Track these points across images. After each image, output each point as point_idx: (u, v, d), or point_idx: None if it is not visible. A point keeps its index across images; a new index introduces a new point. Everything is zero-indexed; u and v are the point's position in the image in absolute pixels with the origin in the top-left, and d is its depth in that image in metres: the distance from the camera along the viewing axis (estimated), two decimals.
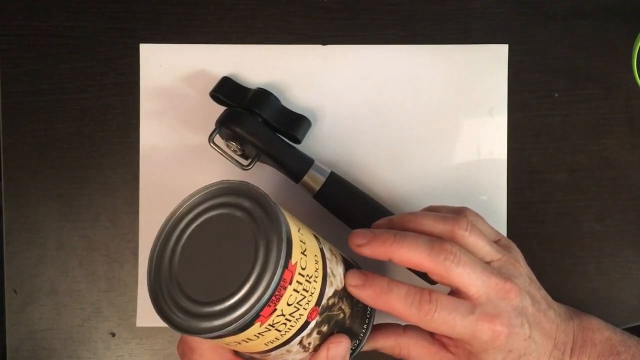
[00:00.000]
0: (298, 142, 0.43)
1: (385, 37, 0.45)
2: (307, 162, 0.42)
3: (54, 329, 0.45)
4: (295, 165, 0.41)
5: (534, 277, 0.37)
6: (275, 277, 0.28)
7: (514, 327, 0.34)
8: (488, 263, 0.35)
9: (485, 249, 0.35)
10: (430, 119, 0.45)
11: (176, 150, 0.45)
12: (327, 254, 0.33)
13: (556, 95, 0.45)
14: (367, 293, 0.34)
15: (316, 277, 0.31)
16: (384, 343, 0.37)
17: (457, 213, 0.37)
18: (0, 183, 0.45)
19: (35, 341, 0.45)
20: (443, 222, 0.35)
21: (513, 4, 0.45)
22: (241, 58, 0.45)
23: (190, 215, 0.32)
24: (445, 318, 0.33)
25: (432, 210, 0.38)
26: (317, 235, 0.34)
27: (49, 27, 0.45)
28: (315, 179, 0.41)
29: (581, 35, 0.45)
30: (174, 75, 0.45)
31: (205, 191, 0.32)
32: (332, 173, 0.42)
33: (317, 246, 0.32)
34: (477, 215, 0.37)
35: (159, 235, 0.32)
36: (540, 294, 0.37)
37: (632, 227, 0.45)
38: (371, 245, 0.35)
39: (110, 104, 0.45)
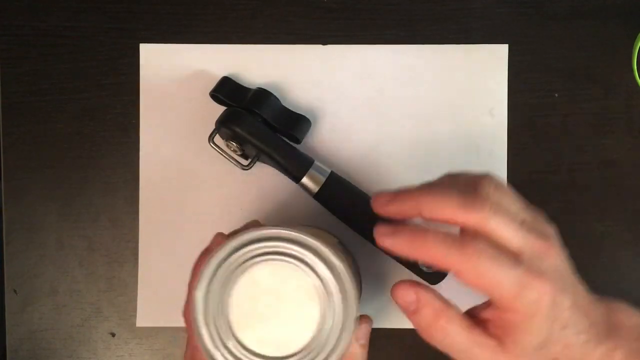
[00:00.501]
0: (298, 142, 0.43)
1: (385, 37, 0.45)
2: (307, 162, 0.42)
3: (54, 329, 0.45)
4: (295, 165, 0.41)
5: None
6: (341, 348, 0.28)
7: (558, 290, 0.30)
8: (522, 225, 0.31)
9: (513, 229, 0.31)
10: (430, 119, 0.45)
11: (176, 150, 0.45)
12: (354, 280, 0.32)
13: (556, 95, 0.45)
14: (401, 240, 0.30)
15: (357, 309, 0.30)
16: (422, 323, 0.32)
17: (475, 185, 0.32)
18: (0, 183, 0.45)
19: (35, 341, 0.45)
20: (464, 210, 0.31)
21: (513, 4, 0.45)
22: (241, 58, 0.45)
23: (249, 253, 0.30)
24: (491, 266, 0.29)
25: (450, 177, 0.34)
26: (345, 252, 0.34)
27: (49, 27, 0.45)
28: (315, 179, 0.41)
29: (581, 35, 0.45)
30: (174, 75, 0.45)
31: (266, 231, 0.30)
32: (332, 173, 0.42)
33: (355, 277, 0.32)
34: (499, 183, 0.33)
35: (217, 260, 0.30)
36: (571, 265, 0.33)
37: (632, 227, 0.45)
38: (397, 201, 0.32)
39: (110, 104, 0.45)
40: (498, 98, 0.45)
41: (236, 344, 0.29)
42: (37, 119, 0.45)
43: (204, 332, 0.29)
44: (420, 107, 0.45)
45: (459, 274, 0.30)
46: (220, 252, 0.29)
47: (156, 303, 0.45)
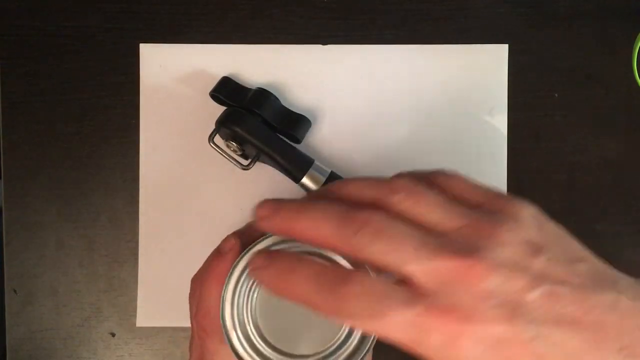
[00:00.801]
0: (298, 142, 0.43)
1: (385, 37, 0.45)
2: (307, 162, 0.42)
3: (54, 329, 0.45)
4: (295, 165, 0.41)
5: (550, 242, 0.25)
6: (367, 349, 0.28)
7: (488, 323, 0.22)
8: (443, 234, 0.24)
9: (435, 215, 0.24)
10: (430, 119, 0.45)
11: (176, 150, 0.45)
12: None
13: (556, 95, 0.45)
14: (268, 275, 0.25)
15: None
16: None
17: (426, 176, 0.27)
18: (0, 183, 0.45)
19: (35, 341, 0.45)
20: (375, 186, 0.26)
21: (513, 4, 0.45)
22: (241, 58, 0.45)
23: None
24: (371, 309, 0.22)
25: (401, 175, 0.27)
26: None
27: (49, 27, 0.45)
28: (315, 179, 0.41)
29: (581, 35, 0.45)
30: (174, 75, 0.45)
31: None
32: (332, 173, 0.42)
33: None
34: (451, 174, 0.27)
35: (239, 263, 0.29)
36: (570, 269, 0.24)
37: (632, 227, 0.45)
38: (273, 219, 0.26)
39: (110, 104, 0.45)
40: (498, 98, 0.45)
41: (265, 346, 0.29)
42: (37, 119, 0.45)
43: (232, 335, 0.29)
44: (420, 107, 0.45)
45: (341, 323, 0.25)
46: (247, 255, 0.29)
47: (156, 303, 0.45)
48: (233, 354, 0.29)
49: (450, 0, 0.45)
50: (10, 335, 0.45)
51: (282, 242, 0.29)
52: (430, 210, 0.24)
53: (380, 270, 0.24)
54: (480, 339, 0.22)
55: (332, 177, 0.42)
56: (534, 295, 0.22)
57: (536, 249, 0.24)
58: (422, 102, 0.45)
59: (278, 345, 0.29)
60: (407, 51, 0.45)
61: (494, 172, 0.45)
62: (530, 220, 0.25)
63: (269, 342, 0.29)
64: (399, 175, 0.26)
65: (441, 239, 0.24)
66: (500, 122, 0.45)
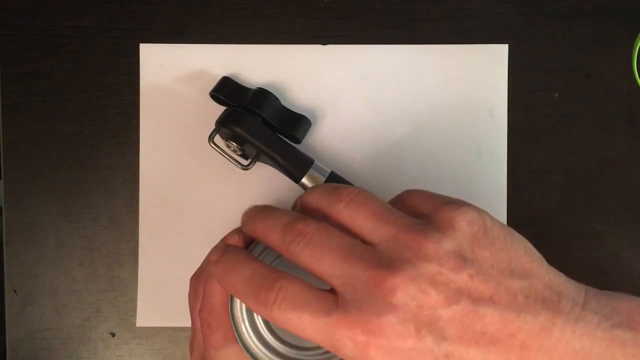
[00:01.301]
0: (298, 142, 0.43)
1: (385, 37, 0.45)
2: (307, 162, 0.42)
3: (54, 329, 0.45)
4: (295, 165, 0.41)
5: (484, 254, 0.24)
6: None
7: (394, 337, 0.22)
8: (373, 245, 0.25)
9: (369, 225, 0.25)
10: (430, 119, 0.45)
11: (176, 150, 0.45)
12: None
13: (556, 95, 0.45)
14: (216, 269, 0.27)
15: None
16: None
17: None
18: (0, 183, 0.45)
19: (35, 341, 0.45)
20: (327, 195, 0.27)
21: (513, 4, 0.45)
22: (241, 58, 0.45)
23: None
24: (289, 316, 0.24)
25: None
26: None
27: (49, 27, 0.45)
28: (315, 179, 0.41)
29: (581, 35, 0.45)
30: (174, 75, 0.45)
31: None
32: (332, 173, 0.42)
33: None
34: (414, 189, 0.28)
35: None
36: (501, 286, 0.23)
37: (632, 227, 0.45)
38: (245, 223, 0.29)
39: (110, 104, 0.45)
40: (498, 98, 0.45)
41: (273, 339, 0.29)
42: (37, 119, 0.45)
43: (242, 328, 0.29)
44: (420, 107, 0.45)
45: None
46: (257, 247, 0.30)
47: (156, 303, 0.45)
48: (242, 347, 0.29)
49: (450, 0, 0.45)
50: (10, 335, 0.45)
51: None
52: (366, 219, 0.25)
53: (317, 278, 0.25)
54: (388, 352, 0.22)
55: (332, 177, 0.42)
56: (448, 313, 0.22)
57: (461, 263, 0.23)
58: (422, 102, 0.45)
59: (286, 338, 0.29)
60: (407, 51, 0.45)
61: (493, 172, 0.45)
62: (465, 229, 0.24)
63: (277, 334, 0.29)
64: (354, 187, 0.27)
65: (367, 250, 0.24)
66: (500, 122, 0.45)
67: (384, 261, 0.23)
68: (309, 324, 0.24)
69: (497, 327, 0.22)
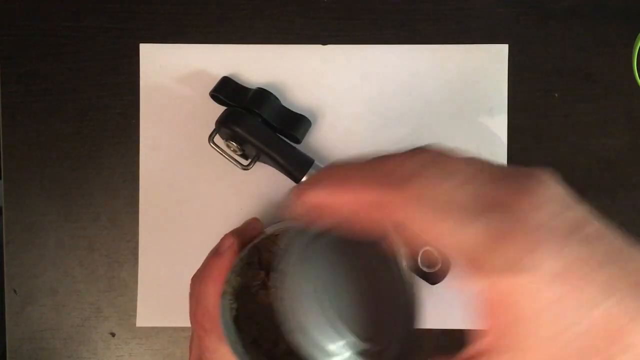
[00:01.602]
0: (298, 142, 0.43)
1: (385, 37, 0.45)
2: (307, 162, 0.42)
3: (54, 329, 0.45)
4: (295, 165, 0.41)
5: None
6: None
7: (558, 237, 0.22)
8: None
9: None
10: (430, 119, 0.45)
11: (176, 150, 0.45)
12: None
13: (556, 95, 0.45)
14: (319, 193, 0.25)
15: None
16: None
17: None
18: (0, 183, 0.45)
19: (35, 341, 0.45)
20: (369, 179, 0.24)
21: (513, 4, 0.45)
22: (241, 58, 0.45)
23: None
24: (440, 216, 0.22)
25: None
26: None
27: (49, 27, 0.45)
28: None
29: (581, 35, 0.45)
30: (174, 75, 0.45)
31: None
32: None
33: None
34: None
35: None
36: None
37: (632, 227, 0.45)
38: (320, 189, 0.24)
39: (110, 104, 0.45)
40: (498, 98, 0.45)
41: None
42: (37, 119, 0.45)
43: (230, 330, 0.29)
44: (420, 107, 0.45)
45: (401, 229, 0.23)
46: (245, 253, 0.29)
47: (156, 303, 0.45)
48: (232, 351, 0.29)
49: (450, 0, 0.45)
50: (10, 335, 0.45)
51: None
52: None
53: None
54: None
55: None
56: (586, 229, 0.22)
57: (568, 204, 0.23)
58: (422, 102, 0.45)
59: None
60: (407, 51, 0.45)
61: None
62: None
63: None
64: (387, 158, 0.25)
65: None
66: (500, 122, 0.45)
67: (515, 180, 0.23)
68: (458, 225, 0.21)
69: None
